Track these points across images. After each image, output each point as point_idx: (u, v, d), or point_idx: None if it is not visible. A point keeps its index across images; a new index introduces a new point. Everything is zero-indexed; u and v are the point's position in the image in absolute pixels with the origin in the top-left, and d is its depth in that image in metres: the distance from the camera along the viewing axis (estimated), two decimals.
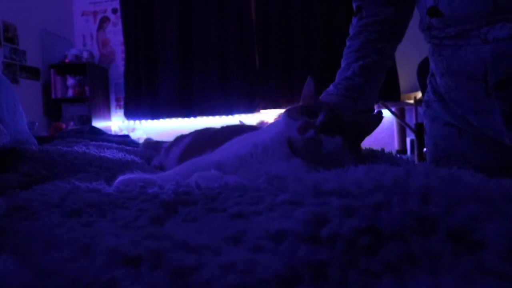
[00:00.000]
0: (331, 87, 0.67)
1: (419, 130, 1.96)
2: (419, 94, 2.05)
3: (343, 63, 0.70)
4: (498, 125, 0.54)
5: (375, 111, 0.63)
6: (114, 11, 3.18)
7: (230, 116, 2.81)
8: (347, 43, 0.71)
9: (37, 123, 2.56)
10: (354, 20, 0.71)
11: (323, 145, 0.44)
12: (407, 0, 0.68)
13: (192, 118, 2.90)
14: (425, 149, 0.85)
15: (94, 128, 1.32)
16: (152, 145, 0.95)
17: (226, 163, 0.46)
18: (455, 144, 0.64)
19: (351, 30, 0.71)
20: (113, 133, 2.88)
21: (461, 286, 0.15)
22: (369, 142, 0.76)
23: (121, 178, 0.38)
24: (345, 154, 0.45)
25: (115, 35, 3.19)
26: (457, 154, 0.64)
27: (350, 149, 0.45)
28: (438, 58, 0.59)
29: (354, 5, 0.71)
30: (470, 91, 0.54)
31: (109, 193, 0.25)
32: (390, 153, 0.57)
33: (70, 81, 2.95)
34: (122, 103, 3.15)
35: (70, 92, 2.96)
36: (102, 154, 0.66)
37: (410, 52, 1.75)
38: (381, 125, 0.58)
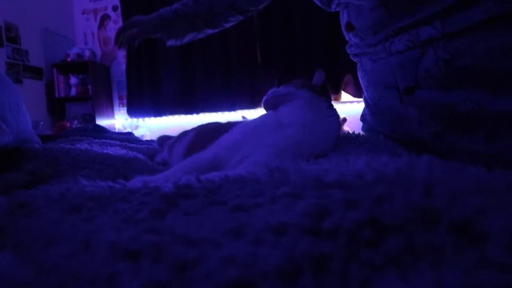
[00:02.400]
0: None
1: None
2: None
3: None
4: (415, 129, 0.57)
5: None
6: (115, 8, 3.17)
7: (232, 112, 2.81)
8: None
9: (41, 123, 2.58)
10: None
11: (268, 93, 0.60)
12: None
13: (194, 115, 2.90)
14: None
15: (98, 126, 1.33)
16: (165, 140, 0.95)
17: (222, 153, 0.49)
18: None
19: None
20: (116, 130, 2.90)
21: (464, 279, 0.15)
22: None
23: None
24: (288, 88, 0.58)
25: (116, 32, 3.18)
26: None
27: (295, 86, 0.58)
28: (362, 73, 0.65)
29: None
30: (389, 100, 0.58)
31: (111, 186, 0.25)
32: (388, 140, 0.59)
33: (73, 80, 2.96)
34: (125, 101, 3.16)
35: (73, 91, 2.98)
36: (105, 151, 0.66)
37: None
38: None
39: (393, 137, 0.65)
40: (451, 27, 0.45)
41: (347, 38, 0.67)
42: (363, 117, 0.77)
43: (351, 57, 0.70)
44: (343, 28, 0.66)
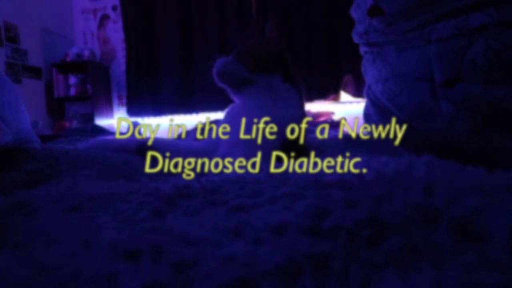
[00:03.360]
0: None
1: None
2: None
3: None
4: (444, 127, 0.53)
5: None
6: (114, 8, 3.17)
7: None
8: None
9: (40, 122, 2.58)
10: None
11: (216, 65, 0.57)
12: None
13: (194, 114, 2.90)
14: None
15: (97, 126, 1.33)
16: None
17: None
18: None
19: None
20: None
21: (464, 279, 0.15)
22: None
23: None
24: (240, 68, 0.55)
25: (115, 32, 3.18)
26: None
27: (249, 65, 0.55)
28: (380, 64, 0.58)
29: None
30: (416, 93, 0.53)
31: (111, 186, 0.25)
32: (389, 140, 0.57)
33: (72, 79, 2.96)
34: (124, 100, 3.16)
35: (72, 91, 2.98)
36: (105, 151, 0.66)
37: None
38: None
39: (405, 138, 0.60)
40: (508, 14, 0.41)
41: (362, 26, 0.60)
42: (367, 117, 0.71)
43: (362, 46, 0.63)
44: (359, 12, 0.60)
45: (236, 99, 0.58)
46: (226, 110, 0.60)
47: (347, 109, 2.65)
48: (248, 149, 0.45)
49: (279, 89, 0.54)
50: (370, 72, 0.63)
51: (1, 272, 0.15)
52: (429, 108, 0.53)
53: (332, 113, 2.52)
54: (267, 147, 0.45)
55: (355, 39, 0.64)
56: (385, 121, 0.64)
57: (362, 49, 0.64)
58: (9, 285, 0.14)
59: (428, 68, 0.50)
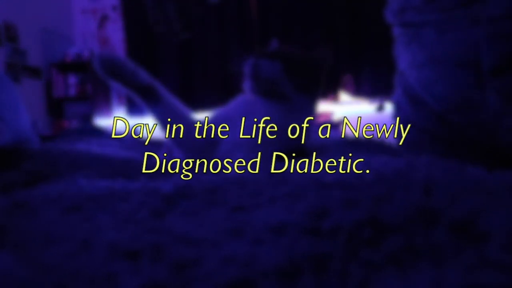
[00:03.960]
0: None
1: None
2: None
3: None
4: (487, 122, 0.46)
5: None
6: (114, 8, 3.17)
7: None
8: None
9: (39, 122, 2.57)
10: None
11: (261, 68, 0.49)
12: None
13: (193, 114, 2.90)
14: None
15: (96, 126, 1.33)
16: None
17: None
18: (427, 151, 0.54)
19: None
20: None
21: (464, 278, 0.15)
22: None
23: None
24: (285, 82, 0.48)
25: (115, 32, 3.18)
26: None
27: (295, 82, 0.49)
28: (416, 48, 0.51)
29: None
30: (457, 82, 0.47)
31: (110, 186, 0.25)
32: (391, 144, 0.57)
33: (72, 79, 2.95)
34: (124, 100, 3.16)
35: (72, 91, 2.97)
36: (104, 151, 0.66)
37: None
38: None
39: (439, 135, 0.53)
40: None
41: (397, 2, 0.53)
42: (397, 106, 0.62)
43: (396, 28, 0.56)
44: None
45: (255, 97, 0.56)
46: (237, 99, 0.57)
47: (346, 110, 2.65)
48: (253, 149, 0.46)
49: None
50: (403, 56, 0.56)
51: (1, 272, 0.15)
52: (471, 100, 0.46)
53: (331, 113, 2.52)
54: (270, 149, 0.46)
55: (389, 18, 0.57)
56: (418, 112, 0.56)
57: (396, 31, 0.57)
58: (9, 285, 0.14)
59: (474, 53, 0.44)
